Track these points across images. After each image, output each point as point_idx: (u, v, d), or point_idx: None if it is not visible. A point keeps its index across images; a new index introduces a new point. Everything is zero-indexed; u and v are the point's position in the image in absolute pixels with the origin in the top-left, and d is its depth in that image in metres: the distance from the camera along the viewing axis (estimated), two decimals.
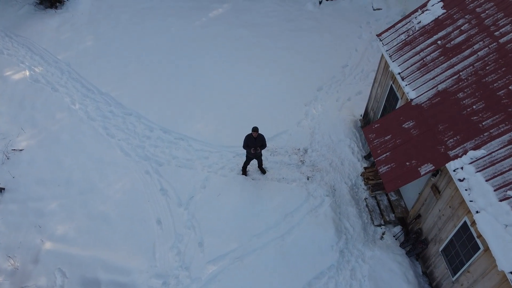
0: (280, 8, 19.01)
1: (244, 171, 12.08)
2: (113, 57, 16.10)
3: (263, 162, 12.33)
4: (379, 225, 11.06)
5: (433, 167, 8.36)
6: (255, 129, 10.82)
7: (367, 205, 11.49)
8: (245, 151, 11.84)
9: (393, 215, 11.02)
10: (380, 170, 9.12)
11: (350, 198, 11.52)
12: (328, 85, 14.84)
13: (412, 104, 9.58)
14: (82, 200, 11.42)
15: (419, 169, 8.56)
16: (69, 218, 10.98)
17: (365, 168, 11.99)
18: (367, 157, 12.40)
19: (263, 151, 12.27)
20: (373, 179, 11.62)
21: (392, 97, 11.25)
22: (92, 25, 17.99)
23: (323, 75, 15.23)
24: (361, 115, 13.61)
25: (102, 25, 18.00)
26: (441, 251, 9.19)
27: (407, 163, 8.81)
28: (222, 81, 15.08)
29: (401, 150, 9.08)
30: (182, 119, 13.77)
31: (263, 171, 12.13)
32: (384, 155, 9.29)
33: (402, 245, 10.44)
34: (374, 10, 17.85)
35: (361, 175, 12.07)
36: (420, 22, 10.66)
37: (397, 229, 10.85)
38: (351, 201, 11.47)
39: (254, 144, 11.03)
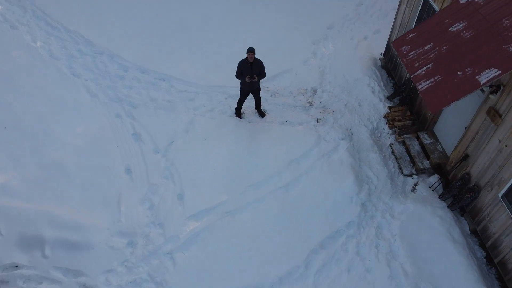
0: None
1: (238, 113, 9.66)
2: None
3: (262, 104, 9.89)
4: (410, 175, 8.62)
5: (499, 72, 5.95)
6: (251, 50, 8.42)
7: (393, 152, 9.06)
8: (239, 90, 9.40)
9: (428, 162, 8.58)
10: (419, 87, 6.70)
11: (372, 143, 9.09)
12: (340, 24, 12.43)
13: (461, 2, 7.15)
14: (33, 146, 8.98)
15: (477, 77, 6.14)
16: (13, 166, 8.55)
17: (389, 108, 9.55)
18: (390, 97, 9.97)
19: (261, 92, 9.82)
20: (400, 119, 9.19)
21: (426, 14, 8.82)
22: None
23: (334, 13, 12.81)
24: (381, 54, 11.19)
25: None
26: (501, 196, 6.77)
27: (458, 73, 6.39)
28: (215, 18, 12.65)
29: (449, 58, 6.66)
30: (164, 58, 11.37)
31: (261, 113, 9.71)
32: (425, 67, 6.87)
33: (441, 197, 7.99)
34: None
35: (384, 117, 9.64)
36: None
37: (434, 178, 8.42)
38: (373, 146, 9.04)
39: (250, 71, 8.61)
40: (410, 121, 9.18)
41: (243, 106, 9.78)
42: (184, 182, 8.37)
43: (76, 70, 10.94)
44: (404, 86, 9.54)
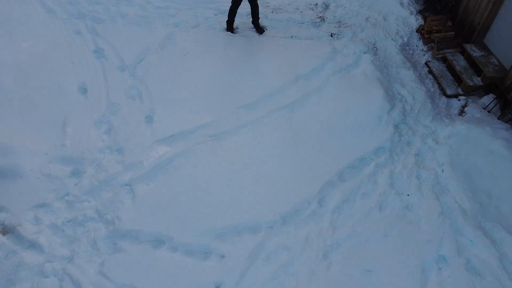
0: None
1: (230, 26, 7.55)
2: None
3: (261, 19, 7.74)
4: (455, 96, 6.51)
5: None
6: None
7: (430, 71, 6.94)
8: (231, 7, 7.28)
9: (479, 78, 6.44)
10: None
11: (403, 59, 6.97)
12: None
13: None
14: None
15: None
16: None
17: (424, 18, 7.42)
18: (423, 11, 7.84)
19: (260, 8, 7.67)
20: (439, 30, 7.06)
21: None
22: None
23: None
24: None
25: None
26: None
27: None
28: None
29: None
30: None
31: (259, 29, 7.58)
32: None
33: (502, 119, 5.87)
34: None
35: (417, 31, 7.51)
36: None
37: (487, 99, 6.30)
38: (405, 62, 6.92)
39: None
40: (452, 33, 7.04)
41: (236, 21, 7.65)
42: (156, 101, 6.27)
43: None
44: None
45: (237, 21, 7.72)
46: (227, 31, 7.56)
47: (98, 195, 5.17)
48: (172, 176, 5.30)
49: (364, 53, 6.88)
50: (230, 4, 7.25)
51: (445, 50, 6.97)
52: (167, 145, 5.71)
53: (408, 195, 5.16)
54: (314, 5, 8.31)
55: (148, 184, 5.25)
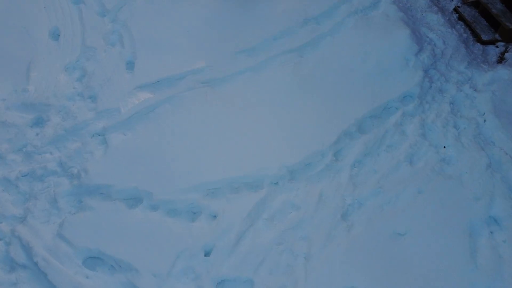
0: None
1: None
2: None
3: None
4: (492, 42, 5.51)
5: None
6: None
7: (461, 17, 5.95)
8: None
9: None
10: None
11: (429, 2, 5.99)
12: None
13: None
14: None
15: None
16: None
17: None
18: None
19: None
20: None
21: None
22: None
23: None
24: None
25: None
26: None
27: None
28: None
29: None
30: None
31: None
32: None
33: None
34: None
35: None
36: None
37: None
38: (431, 7, 5.93)
39: None
40: None
41: None
42: (139, 46, 5.30)
43: None
44: None
45: None
46: None
47: (63, 145, 4.20)
48: (155, 124, 4.33)
49: None
50: None
51: None
52: (151, 91, 4.75)
53: (444, 147, 4.17)
54: None
55: (124, 134, 4.28)
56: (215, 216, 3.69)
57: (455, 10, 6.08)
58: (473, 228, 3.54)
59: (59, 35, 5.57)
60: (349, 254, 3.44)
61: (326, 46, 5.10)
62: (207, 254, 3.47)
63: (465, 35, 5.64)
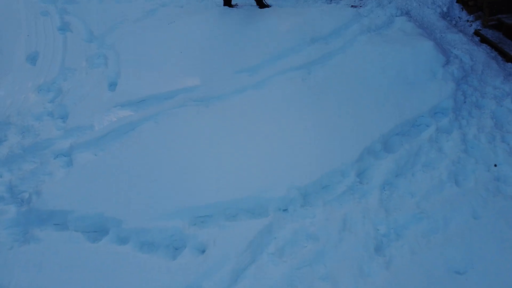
0: None
1: (228, 1, 6.16)
2: None
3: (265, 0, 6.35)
4: None
5: None
6: None
7: (484, 40, 5.37)
8: None
9: None
10: None
11: (447, 25, 5.45)
12: None
13: None
14: None
15: None
16: None
17: None
18: None
19: None
20: None
21: None
22: None
23: None
24: None
25: None
26: None
27: None
28: None
29: None
30: None
31: (262, 5, 6.18)
32: None
33: None
34: None
35: (458, 1, 6.07)
36: None
37: None
38: (450, 28, 5.39)
39: None
40: None
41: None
42: (125, 66, 4.68)
43: None
44: None
45: (236, 1, 6.37)
46: (224, 5, 6.16)
47: (18, 167, 3.37)
48: (134, 143, 3.52)
49: (397, 16, 5.38)
50: None
51: (500, 16, 5.46)
52: (133, 110, 4.00)
53: (495, 165, 3.30)
54: None
55: (95, 154, 3.45)
56: (203, 251, 2.73)
57: (476, 33, 5.53)
58: None
59: (36, 58, 4.99)
60: None
61: (338, 61, 4.45)
62: None
63: (492, 54, 5.01)
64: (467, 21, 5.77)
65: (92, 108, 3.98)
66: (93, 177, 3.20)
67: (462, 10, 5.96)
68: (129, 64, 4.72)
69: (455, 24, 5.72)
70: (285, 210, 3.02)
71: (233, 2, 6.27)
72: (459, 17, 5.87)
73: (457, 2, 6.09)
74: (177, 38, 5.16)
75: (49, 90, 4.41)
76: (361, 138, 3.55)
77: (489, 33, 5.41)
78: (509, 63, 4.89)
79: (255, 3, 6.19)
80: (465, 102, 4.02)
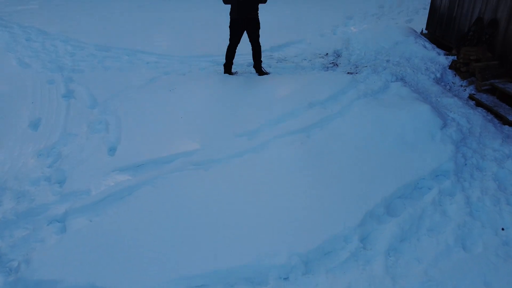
0: None
1: (228, 69, 6.42)
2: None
3: (264, 68, 6.60)
4: None
5: None
6: None
7: (479, 103, 5.50)
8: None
9: None
10: None
11: (441, 89, 5.61)
12: (362, 17, 9.93)
13: None
14: None
15: None
16: None
17: (457, 50, 6.30)
18: (450, 55, 6.78)
19: (264, 58, 6.70)
20: (479, 59, 5.85)
21: None
22: None
23: (355, 8, 10.46)
24: (422, 30, 8.35)
25: None
26: None
27: None
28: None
29: None
30: (131, 36, 8.62)
31: (261, 73, 6.44)
32: None
33: None
34: None
35: (450, 68, 6.31)
36: None
37: None
38: (445, 92, 5.54)
39: None
40: (496, 62, 5.81)
41: (235, 68, 6.58)
42: (126, 131, 4.73)
43: (13, 46, 8.11)
44: (471, 31, 6.42)
45: (236, 69, 6.63)
46: (225, 73, 6.39)
47: (9, 233, 3.26)
48: (131, 208, 3.45)
49: (392, 82, 5.54)
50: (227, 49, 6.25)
51: (492, 81, 5.62)
52: (131, 174, 3.97)
53: (503, 229, 3.20)
54: (325, 54, 7.33)
55: (90, 219, 3.37)
56: None
57: (471, 97, 5.66)
58: None
59: (39, 124, 5.07)
60: None
61: (337, 125, 4.50)
62: None
63: (488, 117, 5.08)
64: (461, 86, 5.93)
65: (90, 172, 3.95)
66: (86, 244, 3.08)
67: (455, 75, 6.15)
68: (129, 129, 4.77)
69: (449, 89, 5.87)
70: (286, 278, 2.87)
71: (233, 70, 6.51)
72: (452, 82, 6.04)
73: (449, 68, 6.30)
74: (178, 103, 5.28)
75: (48, 155, 4.41)
76: (362, 201, 3.47)
77: (483, 97, 5.53)
78: (506, 126, 4.93)
79: (254, 71, 6.42)
80: (465, 164, 3.99)
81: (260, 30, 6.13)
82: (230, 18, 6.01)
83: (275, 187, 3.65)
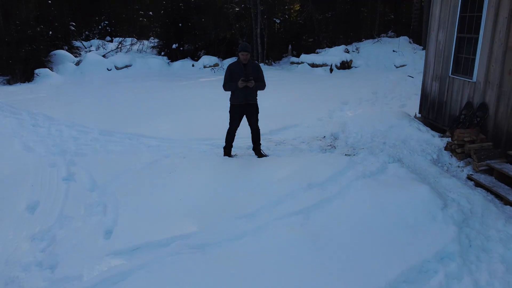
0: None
1: (228, 150, 6.57)
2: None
3: (263, 151, 6.77)
4: None
5: None
6: (244, 49, 6.08)
7: (477, 184, 5.53)
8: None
9: None
10: None
11: (439, 170, 5.68)
12: (357, 102, 10.39)
13: None
14: None
15: None
16: None
17: (451, 132, 6.48)
18: (444, 137, 6.98)
19: (263, 141, 6.92)
20: (473, 140, 6.01)
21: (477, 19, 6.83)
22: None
23: (349, 95, 10.96)
24: (415, 114, 8.70)
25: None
26: None
27: None
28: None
29: None
30: (134, 121, 8.93)
31: (261, 156, 6.58)
32: None
33: None
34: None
35: (446, 149, 6.44)
36: None
37: None
38: (442, 173, 5.59)
39: (244, 73, 6.05)
40: (490, 143, 5.96)
41: (234, 151, 6.74)
42: (123, 212, 4.69)
43: (18, 132, 8.37)
44: (463, 115, 6.69)
45: (236, 152, 6.78)
46: (224, 156, 6.51)
47: None
48: None
49: (390, 163, 5.61)
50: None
51: (488, 161, 5.70)
52: (125, 259, 3.85)
53: None
54: (322, 137, 7.53)
55: None
56: None
57: (469, 178, 5.70)
58: None
59: (36, 208, 5.03)
60: None
61: (336, 206, 4.46)
62: None
63: (489, 197, 5.06)
64: (458, 166, 5.99)
65: (84, 257, 3.83)
66: None
67: (452, 156, 6.25)
68: (127, 212, 4.72)
69: (447, 170, 5.92)
70: None
71: (232, 153, 6.63)
72: (449, 163, 6.11)
73: (445, 149, 6.42)
74: (176, 185, 5.30)
75: (43, 239, 4.31)
76: (366, 287, 3.32)
77: (481, 178, 5.56)
78: (508, 206, 4.89)
79: (253, 153, 6.54)
80: (470, 245, 3.88)
81: (259, 115, 6.37)
82: (230, 103, 6.27)
83: (274, 272, 3.51)
